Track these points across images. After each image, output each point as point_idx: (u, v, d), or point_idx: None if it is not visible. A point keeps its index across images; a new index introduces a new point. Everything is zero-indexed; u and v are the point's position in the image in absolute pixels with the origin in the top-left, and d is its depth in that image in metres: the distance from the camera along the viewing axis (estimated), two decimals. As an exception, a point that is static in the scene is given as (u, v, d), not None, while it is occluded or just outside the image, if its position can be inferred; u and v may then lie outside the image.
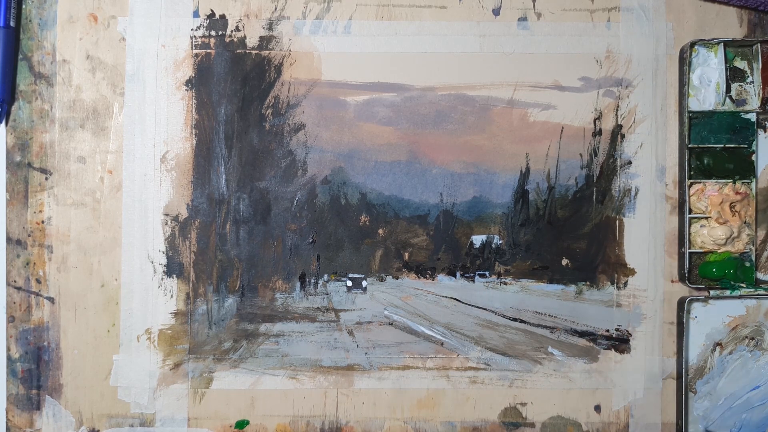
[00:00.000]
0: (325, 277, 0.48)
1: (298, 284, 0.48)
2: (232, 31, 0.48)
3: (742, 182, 0.47)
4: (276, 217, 0.48)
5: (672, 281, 0.48)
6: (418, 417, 0.48)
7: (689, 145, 0.47)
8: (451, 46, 0.48)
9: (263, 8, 0.48)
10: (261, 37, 0.48)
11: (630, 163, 0.48)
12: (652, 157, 0.48)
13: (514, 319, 0.49)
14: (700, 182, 0.47)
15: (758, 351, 0.48)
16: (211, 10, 0.48)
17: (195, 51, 0.48)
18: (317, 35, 0.48)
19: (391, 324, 0.49)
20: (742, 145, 0.47)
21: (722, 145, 0.47)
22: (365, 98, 0.48)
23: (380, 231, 0.49)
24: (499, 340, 0.48)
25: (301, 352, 0.48)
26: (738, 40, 0.47)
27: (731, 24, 0.48)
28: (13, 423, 0.47)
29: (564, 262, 0.49)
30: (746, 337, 0.48)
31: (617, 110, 0.48)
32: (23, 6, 0.47)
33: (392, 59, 0.48)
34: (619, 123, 0.48)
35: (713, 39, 0.47)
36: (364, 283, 0.49)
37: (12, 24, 0.46)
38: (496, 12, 0.48)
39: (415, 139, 0.48)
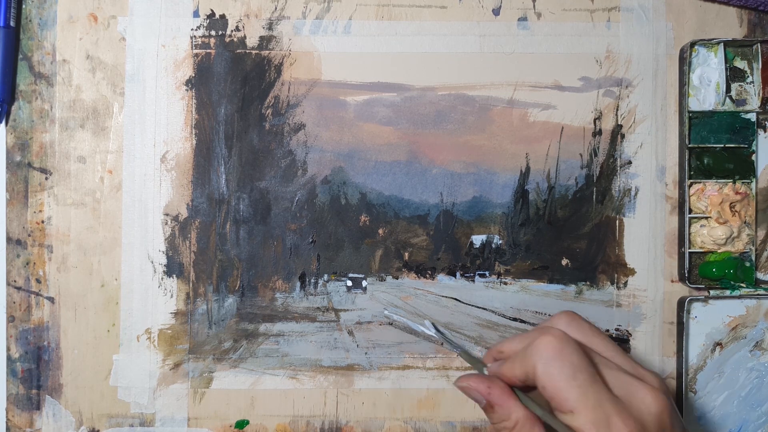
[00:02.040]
0: (325, 277, 0.48)
1: (298, 284, 0.48)
2: (232, 31, 0.48)
3: (742, 182, 0.47)
4: (276, 217, 0.48)
5: (672, 281, 0.48)
6: (418, 417, 0.48)
7: (689, 145, 0.47)
8: (451, 46, 0.48)
9: (263, 8, 0.48)
10: (261, 37, 0.48)
11: (630, 163, 0.48)
12: (652, 157, 0.48)
13: (514, 319, 0.49)
14: (700, 182, 0.47)
15: (758, 351, 0.48)
16: (211, 10, 0.48)
17: (195, 51, 0.48)
18: (317, 35, 0.48)
19: (391, 324, 0.49)
20: (742, 145, 0.47)
21: (722, 145, 0.47)
22: (365, 98, 0.48)
23: (380, 231, 0.49)
24: (499, 340, 0.48)
25: (301, 352, 0.48)
26: (738, 40, 0.47)
27: (731, 24, 0.48)
28: (13, 423, 0.47)
29: (564, 262, 0.49)
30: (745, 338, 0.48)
31: (617, 110, 0.48)
32: (23, 6, 0.47)
33: (392, 59, 0.48)
34: (619, 123, 0.48)
35: (713, 39, 0.47)
36: (364, 283, 0.49)
37: (12, 24, 0.46)
38: (496, 12, 0.48)
39: (415, 139, 0.48)
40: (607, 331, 0.48)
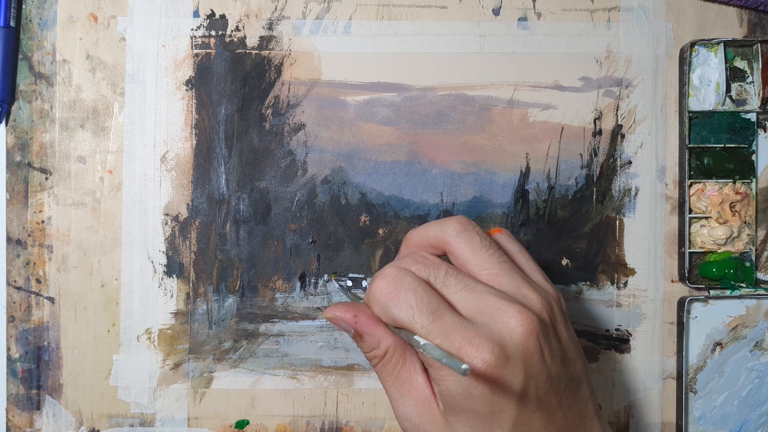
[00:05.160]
0: (325, 277, 0.48)
1: (298, 284, 0.48)
2: (232, 31, 0.48)
3: (742, 182, 0.47)
4: (276, 217, 0.48)
5: (672, 281, 0.48)
6: (418, 417, 0.48)
7: (689, 145, 0.47)
8: (451, 46, 0.48)
9: (263, 8, 0.48)
10: (261, 37, 0.48)
11: (630, 163, 0.48)
12: (652, 157, 0.48)
13: (514, 319, 0.49)
14: (700, 182, 0.47)
15: (758, 351, 0.48)
16: (211, 10, 0.48)
17: (195, 51, 0.48)
18: (317, 35, 0.48)
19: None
20: (742, 145, 0.47)
21: (722, 145, 0.47)
22: (365, 98, 0.48)
23: (380, 231, 0.49)
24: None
25: (302, 352, 0.48)
26: (738, 40, 0.47)
27: (731, 24, 0.48)
28: (13, 423, 0.47)
29: (564, 262, 0.49)
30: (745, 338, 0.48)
31: (617, 110, 0.48)
32: (23, 6, 0.47)
33: (392, 59, 0.48)
34: (619, 123, 0.48)
35: (713, 39, 0.47)
36: (364, 283, 0.49)
37: (12, 24, 0.46)
38: (496, 12, 0.48)
39: (415, 139, 0.48)
40: (607, 331, 0.48)
